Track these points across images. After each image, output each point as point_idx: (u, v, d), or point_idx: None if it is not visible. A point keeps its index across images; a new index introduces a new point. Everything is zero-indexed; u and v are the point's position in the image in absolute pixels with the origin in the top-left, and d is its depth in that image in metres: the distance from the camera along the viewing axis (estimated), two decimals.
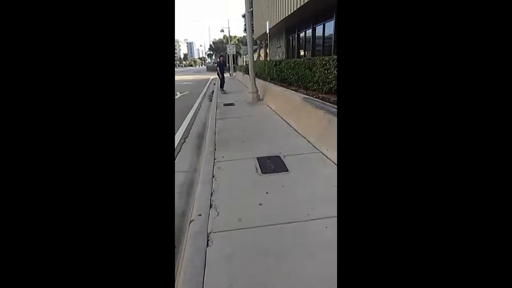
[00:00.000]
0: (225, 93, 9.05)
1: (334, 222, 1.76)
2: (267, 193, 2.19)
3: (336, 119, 2.95)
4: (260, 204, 2.02)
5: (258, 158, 2.95)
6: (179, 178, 2.72)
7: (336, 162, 2.72)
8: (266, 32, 9.44)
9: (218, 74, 9.82)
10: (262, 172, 2.60)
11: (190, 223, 1.82)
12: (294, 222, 1.78)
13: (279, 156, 2.98)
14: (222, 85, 9.70)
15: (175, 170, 2.74)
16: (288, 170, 2.62)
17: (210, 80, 19.29)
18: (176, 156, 3.44)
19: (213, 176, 2.55)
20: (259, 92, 7.18)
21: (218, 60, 10.33)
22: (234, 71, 20.98)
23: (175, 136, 4.22)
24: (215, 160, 2.97)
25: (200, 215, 1.88)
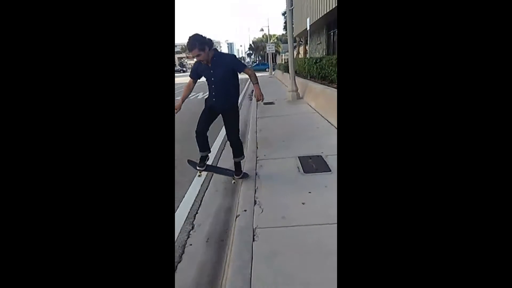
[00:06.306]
0: None
1: None
2: (309, 192, 2.21)
3: None
4: (303, 203, 2.04)
5: (299, 157, 2.95)
6: (223, 176, 2.86)
7: None
8: (306, 29, 9.26)
9: None
10: (304, 172, 2.61)
11: (236, 218, 1.93)
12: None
13: (321, 156, 2.96)
14: None
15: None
16: (330, 170, 2.59)
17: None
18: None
19: (256, 174, 2.64)
20: (298, 91, 7.12)
21: None
22: (273, 69, 21.01)
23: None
24: (258, 158, 3.05)
25: (245, 210, 1.98)
